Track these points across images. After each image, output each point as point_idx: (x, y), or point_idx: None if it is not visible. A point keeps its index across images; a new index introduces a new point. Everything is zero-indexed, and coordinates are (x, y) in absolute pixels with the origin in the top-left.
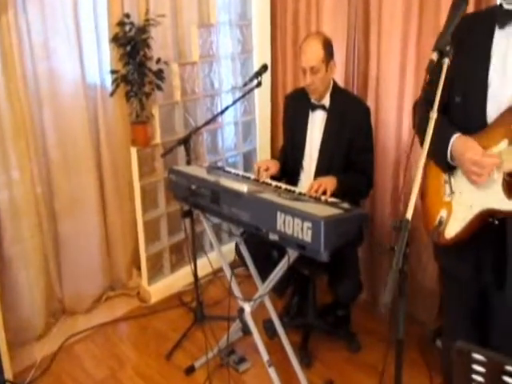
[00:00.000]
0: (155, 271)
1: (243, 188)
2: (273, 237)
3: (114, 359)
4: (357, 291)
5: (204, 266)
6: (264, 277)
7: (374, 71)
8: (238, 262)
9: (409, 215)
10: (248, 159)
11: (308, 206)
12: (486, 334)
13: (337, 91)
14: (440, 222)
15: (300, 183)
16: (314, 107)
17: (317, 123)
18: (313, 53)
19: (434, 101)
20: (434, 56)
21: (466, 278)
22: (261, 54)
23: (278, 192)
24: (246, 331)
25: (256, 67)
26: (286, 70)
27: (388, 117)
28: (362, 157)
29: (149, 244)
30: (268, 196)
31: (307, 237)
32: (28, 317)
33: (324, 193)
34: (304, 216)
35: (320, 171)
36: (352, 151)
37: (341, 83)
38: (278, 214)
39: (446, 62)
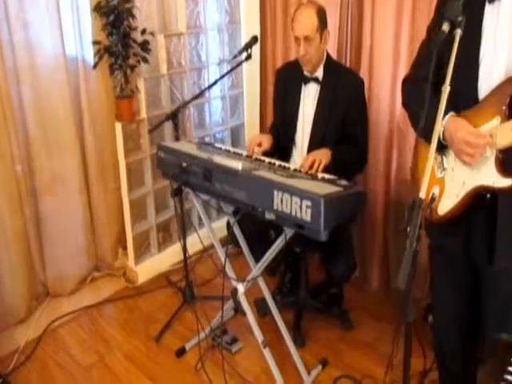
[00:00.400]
0: (142, 251)
1: (238, 165)
2: (269, 216)
3: (102, 343)
4: (351, 270)
5: (192, 244)
6: (257, 256)
7: (367, 41)
8: (229, 240)
9: (422, 194)
10: (236, 134)
11: (306, 184)
12: (478, 312)
13: (330, 63)
14: (432, 199)
15: (292, 159)
16: (307, 80)
17: (310, 96)
18: (307, 22)
19: (435, 75)
20: (446, 26)
21: (456, 253)
22: (249, 26)
23: (273, 169)
24: (237, 311)
25: (244, 39)
26: (275, 42)
27: (381, 89)
28: (355, 130)
29: (135, 223)
30: (264, 174)
31: (306, 216)
32: (9, 300)
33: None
34: (303, 194)
35: (313, 146)
36: (346, 124)
37: (333, 53)
38: (275, 192)
39: (459, 32)
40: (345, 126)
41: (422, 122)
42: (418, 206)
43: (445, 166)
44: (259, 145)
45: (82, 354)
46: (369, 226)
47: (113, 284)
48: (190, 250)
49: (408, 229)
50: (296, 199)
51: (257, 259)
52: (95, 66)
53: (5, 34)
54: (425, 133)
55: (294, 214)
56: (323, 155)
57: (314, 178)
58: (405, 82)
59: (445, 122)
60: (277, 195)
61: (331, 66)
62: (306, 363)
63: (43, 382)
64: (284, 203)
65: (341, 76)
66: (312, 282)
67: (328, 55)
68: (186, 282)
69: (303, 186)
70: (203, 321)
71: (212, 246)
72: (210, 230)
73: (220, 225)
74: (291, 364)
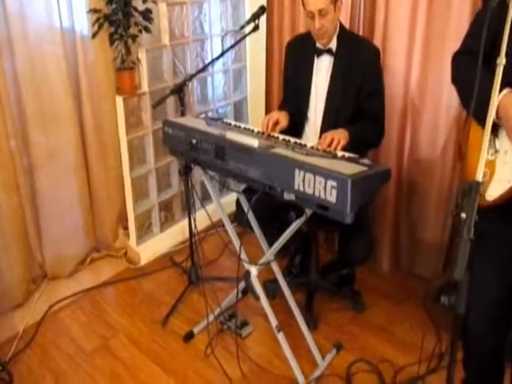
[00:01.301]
0: (143, 231)
1: (254, 142)
2: (289, 196)
3: (105, 327)
4: (370, 251)
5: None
6: (267, 237)
7: (381, 13)
8: (236, 218)
9: (479, 177)
10: (239, 109)
11: (328, 163)
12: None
13: (344, 33)
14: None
15: (305, 135)
16: (320, 52)
17: (323, 69)
18: None
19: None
20: None
21: (503, 237)
22: None
23: (291, 146)
24: (245, 293)
25: (248, 10)
26: (282, 13)
27: (396, 64)
28: (372, 101)
29: (137, 202)
30: (282, 151)
31: (331, 197)
32: (5, 284)
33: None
34: (328, 174)
35: (327, 122)
36: (361, 97)
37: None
38: (297, 171)
39: None
40: (360, 99)
41: (474, 98)
42: (474, 191)
43: (497, 147)
44: (276, 123)
45: (84, 339)
46: (379, 205)
47: (113, 265)
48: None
49: (463, 215)
50: (320, 179)
51: (267, 240)
52: (94, 35)
53: None
54: (477, 111)
55: (317, 194)
56: (340, 135)
57: (334, 156)
58: (455, 56)
59: (500, 98)
60: (298, 174)
61: (345, 35)
62: (319, 347)
63: (45, 370)
64: (306, 183)
65: (355, 46)
66: (322, 262)
67: (341, 25)
68: (191, 262)
69: (327, 166)
70: (210, 303)
71: (217, 223)
72: (221, 208)
73: (224, 201)
74: (304, 348)
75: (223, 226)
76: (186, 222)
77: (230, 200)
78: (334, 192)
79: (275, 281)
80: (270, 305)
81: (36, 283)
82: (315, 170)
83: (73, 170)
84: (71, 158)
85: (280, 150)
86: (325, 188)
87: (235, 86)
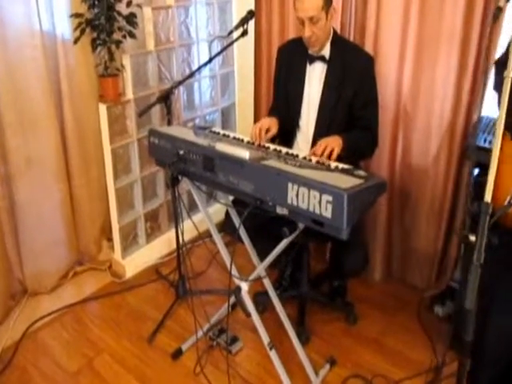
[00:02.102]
0: (129, 243)
1: (244, 154)
2: (281, 211)
3: (88, 345)
4: (365, 263)
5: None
6: (259, 248)
7: (372, 20)
8: (225, 227)
9: (488, 198)
10: (227, 115)
11: (322, 175)
12: None
13: (337, 40)
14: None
15: (296, 144)
16: (313, 59)
17: (316, 77)
18: (311, 1)
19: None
20: None
21: None
22: None
23: (283, 158)
24: (234, 306)
25: (235, 14)
26: (271, 17)
27: (387, 70)
28: (366, 111)
29: (122, 213)
30: (274, 163)
31: (326, 212)
32: None
33: (330, 156)
34: (323, 188)
35: (319, 130)
36: (355, 105)
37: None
38: (290, 185)
39: None
40: (354, 108)
41: (502, 110)
42: (484, 213)
43: None
44: (266, 130)
45: (67, 359)
46: (371, 213)
47: (97, 279)
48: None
49: (471, 237)
50: (315, 193)
51: (258, 252)
52: (76, 41)
53: None
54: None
55: (311, 209)
56: (334, 143)
57: (328, 167)
58: (497, 62)
59: None
60: (292, 188)
61: (339, 43)
62: (312, 362)
63: None
64: (300, 197)
65: (349, 53)
66: (313, 273)
67: (335, 31)
68: (178, 275)
69: (321, 178)
70: (199, 318)
71: (204, 234)
72: (209, 220)
73: (212, 210)
74: (296, 363)
75: (211, 236)
76: (172, 232)
77: (218, 209)
78: (330, 207)
79: (265, 293)
80: (261, 318)
81: (15, 299)
82: (309, 184)
83: (54, 180)
84: (52, 167)
85: (272, 162)
86: (320, 203)
87: (223, 92)
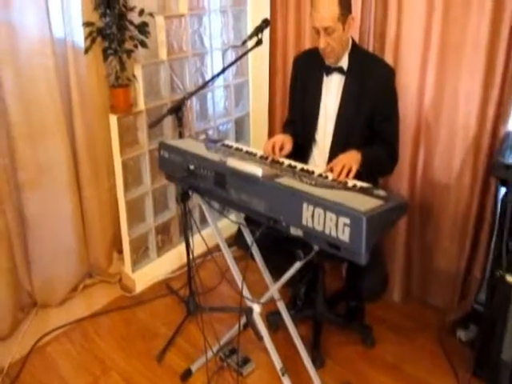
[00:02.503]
0: (139, 256)
1: (257, 171)
2: (295, 232)
3: (96, 363)
4: (384, 286)
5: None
6: (272, 266)
7: (393, 27)
8: (237, 241)
9: None
10: (240, 126)
11: (339, 195)
12: None
13: (356, 51)
14: None
15: (312, 159)
16: (330, 70)
17: (333, 89)
18: (327, 10)
19: None
20: None
21: None
22: (256, 7)
23: (298, 175)
24: (246, 326)
25: (250, 22)
26: (286, 26)
27: (408, 81)
28: (385, 125)
29: (132, 225)
30: (289, 181)
31: (343, 235)
32: None
33: (348, 174)
34: (340, 210)
35: (336, 145)
36: (374, 119)
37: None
38: (305, 205)
39: None
40: (373, 122)
41: None
42: None
43: None
44: (280, 148)
45: (73, 377)
46: (390, 231)
47: (107, 292)
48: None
49: (509, 278)
50: (331, 215)
51: (271, 269)
52: (87, 50)
53: None
54: None
55: (327, 232)
56: (352, 159)
57: (345, 186)
58: None
59: None
60: (307, 209)
61: (358, 54)
62: None
63: None
64: (316, 219)
65: (369, 65)
66: (328, 291)
67: (353, 41)
68: (189, 291)
69: (338, 199)
70: (209, 336)
71: (215, 248)
72: (220, 239)
73: (222, 225)
74: None
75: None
76: (184, 246)
77: (229, 222)
78: (347, 230)
79: (279, 312)
80: (273, 338)
81: (24, 312)
82: (325, 205)
83: (64, 191)
84: (62, 178)
85: (286, 180)
86: (336, 225)
87: (237, 102)
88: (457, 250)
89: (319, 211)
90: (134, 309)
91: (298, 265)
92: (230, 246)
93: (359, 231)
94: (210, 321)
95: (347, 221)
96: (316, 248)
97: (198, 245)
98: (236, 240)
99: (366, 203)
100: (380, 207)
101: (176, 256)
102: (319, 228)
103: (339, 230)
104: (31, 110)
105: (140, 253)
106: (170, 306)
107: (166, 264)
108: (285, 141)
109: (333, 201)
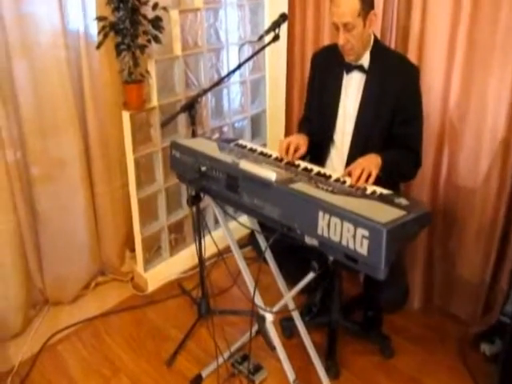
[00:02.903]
0: (152, 255)
1: (271, 175)
2: (310, 241)
3: (106, 364)
4: (404, 298)
5: (206, 246)
6: (285, 272)
7: (416, 24)
8: (251, 241)
9: None
10: (256, 123)
11: (358, 204)
12: None
13: (378, 48)
14: None
15: (330, 160)
16: (350, 68)
17: (353, 88)
18: (347, 6)
19: None
20: None
21: None
22: (274, 1)
23: (313, 180)
24: (259, 332)
25: (268, 16)
26: (305, 21)
27: (432, 79)
28: (408, 128)
29: (145, 224)
30: (304, 187)
31: (361, 248)
32: (3, 311)
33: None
34: (358, 220)
35: (355, 147)
36: (396, 121)
37: None
38: (320, 213)
39: None
40: (395, 124)
41: None
42: None
43: None
44: (296, 149)
45: (82, 378)
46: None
47: (119, 291)
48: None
49: None
50: (348, 225)
51: (284, 274)
52: (99, 45)
53: None
54: None
55: (344, 243)
56: (372, 163)
57: (363, 193)
58: None
59: None
60: (322, 217)
61: (380, 51)
62: None
63: None
64: (332, 228)
65: (391, 63)
66: (345, 299)
67: (376, 38)
68: (201, 293)
69: (356, 208)
70: (221, 340)
71: (227, 249)
72: (233, 244)
73: (235, 225)
74: None
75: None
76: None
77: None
78: (366, 243)
79: (292, 318)
80: (287, 345)
81: (36, 309)
82: (342, 214)
83: (76, 189)
84: (74, 174)
85: (301, 186)
86: (354, 237)
87: (253, 98)
88: (482, 259)
89: (336, 221)
90: (146, 309)
91: (312, 276)
92: (243, 246)
93: (379, 244)
94: (221, 324)
95: (366, 233)
96: (331, 259)
97: (212, 244)
98: (250, 240)
99: (386, 213)
100: (401, 218)
101: (189, 255)
102: (335, 239)
103: (357, 241)
104: (44, 104)
105: (152, 252)
106: (182, 306)
107: (178, 263)
108: (300, 142)
109: (350, 210)
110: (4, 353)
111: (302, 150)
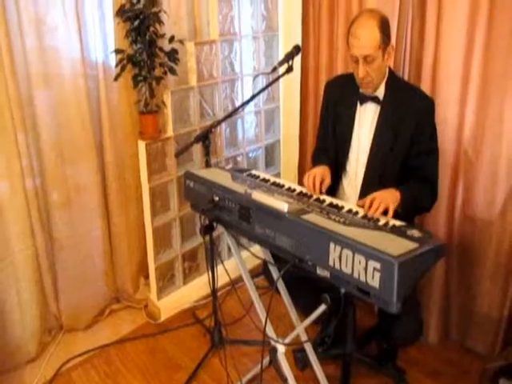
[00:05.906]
0: (165, 283)
1: (283, 206)
2: (322, 273)
3: None
4: (418, 333)
5: (219, 275)
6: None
7: (429, 57)
8: (264, 271)
9: None
10: (271, 153)
11: (370, 236)
12: None
13: (393, 80)
14: None
15: (342, 190)
16: (364, 99)
17: (367, 119)
18: (368, 38)
19: None
20: None
21: None
22: (288, 33)
23: (326, 211)
24: (271, 362)
25: (282, 48)
26: (319, 51)
27: (446, 111)
28: (424, 160)
29: (159, 252)
30: (315, 218)
31: (373, 281)
32: (18, 337)
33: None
34: (369, 253)
35: (369, 179)
36: (412, 154)
37: None
38: (332, 245)
39: None
40: (411, 157)
41: None
42: None
43: None
44: (321, 182)
45: None
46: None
47: (133, 318)
48: (218, 282)
49: None
50: (360, 257)
51: (296, 303)
52: (116, 78)
53: (16, 37)
54: None
55: (356, 275)
56: (390, 199)
57: (376, 225)
58: None
59: None
60: (334, 249)
61: (395, 83)
62: None
63: None
64: (343, 260)
65: (406, 95)
66: (358, 327)
67: (391, 70)
68: (214, 323)
69: (368, 240)
70: (233, 371)
71: (240, 279)
72: (244, 273)
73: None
74: None
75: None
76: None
77: (257, 252)
78: (377, 275)
79: (305, 350)
80: (300, 377)
81: (51, 335)
82: (354, 246)
83: (93, 217)
84: (91, 203)
85: (312, 217)
86: (365, 269)
87: (267, 128)
88: (500, 293)
89: (347, 252)
90: (159, 337)
91: (323, 308)
92: (256, 275)
93: (390, 277)
94: (234, 353)
95: (377, 265)
96: (343, 291)
97: (225, 275)
98: (263, 270)
99: (398, 246)
100: (414, 251)
101: (202, 284)
102: (347, 271)
103: (368, 274)
104: (63, 133)
105: (166, 279)
106: (195, 336)
107: (192, 292)
108: (324, 173)
109: (362, 242)
110: (19, 378)
111: (327, 181)
